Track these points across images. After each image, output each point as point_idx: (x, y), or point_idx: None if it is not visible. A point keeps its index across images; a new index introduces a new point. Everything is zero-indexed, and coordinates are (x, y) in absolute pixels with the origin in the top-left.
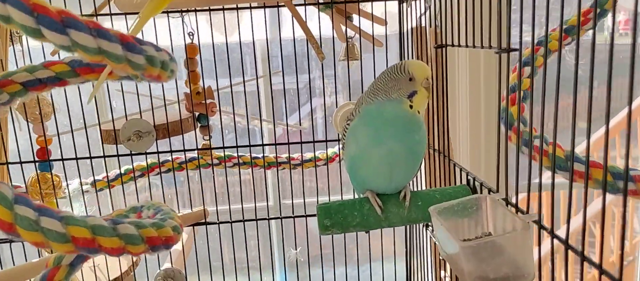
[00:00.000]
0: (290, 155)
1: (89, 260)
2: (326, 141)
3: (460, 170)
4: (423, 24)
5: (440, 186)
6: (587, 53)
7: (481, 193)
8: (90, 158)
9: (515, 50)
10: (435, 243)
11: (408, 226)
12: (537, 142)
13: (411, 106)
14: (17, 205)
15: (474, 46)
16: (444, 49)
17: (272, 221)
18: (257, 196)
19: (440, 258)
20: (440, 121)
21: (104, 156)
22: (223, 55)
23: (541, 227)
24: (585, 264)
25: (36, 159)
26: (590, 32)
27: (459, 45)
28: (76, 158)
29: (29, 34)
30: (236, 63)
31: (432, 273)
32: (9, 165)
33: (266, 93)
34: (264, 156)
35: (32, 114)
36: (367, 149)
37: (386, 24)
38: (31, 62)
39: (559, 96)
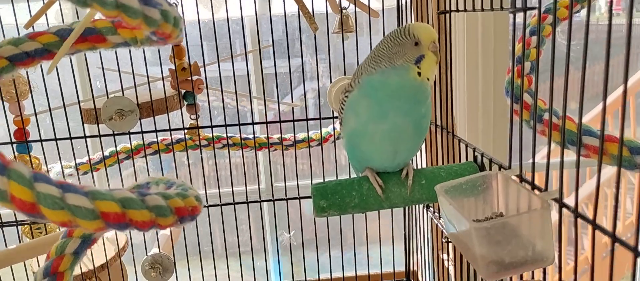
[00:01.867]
0: (282, 135)
1: (93, 245)
2: (320, 119)
3: (466, 146)
4: None
5: (443, 163)
6: (579, 33)
7: (490, 169)
8: (71, 138)
9: (532, 8)
10: (437, 225)
11: (407, 208)
12: (546, 116)
13: (420, 73)
14: (38, 183)
15: (482, 9)
16: (447, 15)
17: (265, 204)
18: (249, 179)
19: (443, 240)
20: (443, 94)
21: (85, 137)
22: (210, 32)
23: (563, 205)
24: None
25: (13, 140)
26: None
27: (465, 10)
28: (55, 139)
29: None
30: (224, 41)
31: (432, 255)
32: None
33: (257, 74)
34: (254, 137)
35: (8, 93)
36: (368, 124)
37: None
38: (4, 37)
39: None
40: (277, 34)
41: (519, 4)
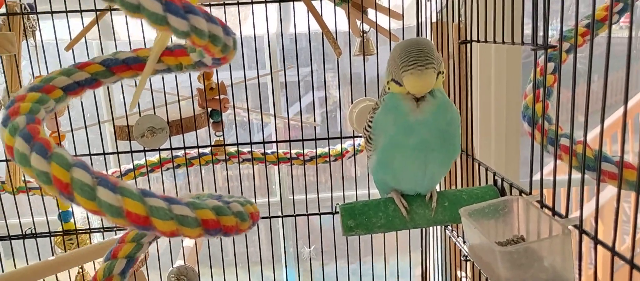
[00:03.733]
0: (304, 151)
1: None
2: (341, 138)
3: (486, 170)
4: (444, 19)
5: (462, 185)
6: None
7: (510, 194)
8: (104, 154)
9: (553, 47)
10: (455, 244)
11: (425, 237)
12: (563, 141)
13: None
14: (147, 198)
15: (503, 42)
16: (467, 45)
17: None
18: (265, 193)
19: (462, 258)
20: (462, 119)
21: (118, 152)
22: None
23: (582, 232)
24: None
25: None
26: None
27: (486, 41)
28: (90, 154)
29: (156, 21)
30: (245, 58)
31: (447, 271)
32: None
33: (275, 87)
34: (277, 152)
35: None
36: (398, 137)
37: (403, 18)
38: (45, 56)
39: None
40: (292, 45)
41: (539, 40)
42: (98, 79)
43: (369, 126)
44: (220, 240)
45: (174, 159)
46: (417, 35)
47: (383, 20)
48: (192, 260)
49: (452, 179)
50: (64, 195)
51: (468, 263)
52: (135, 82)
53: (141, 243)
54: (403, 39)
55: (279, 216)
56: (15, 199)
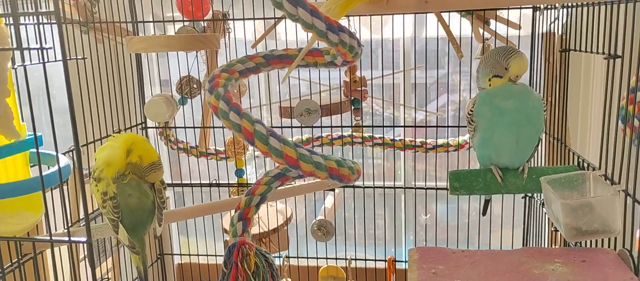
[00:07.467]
0: (426, 140)
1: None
2: (459, 127)
3: (573, 154)
4: (552, 31)
5: None
6: None
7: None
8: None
9: (618, 57)
10: (549, 219)
11: (527, 215)
12: None
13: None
14: (299, 148)
15: (597, 52)
16: (567, 53)
17: (402, 197)
18: (390, 176)
19: (552, 229)
20: (559, 115)
21: (281, 127)
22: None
23: (627, 194)
24: None
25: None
26: None
27: (581, 51)
28: None
29: (320, 35)
30: (384, 59)
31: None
32: (214, 129)
33: (407, 85)
34: (403, 139)
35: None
36: (494, 118)
37: (520, 29)
38: (236, 51)
39: None
40: (425, 48)
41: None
42: (260, 67)
43: (471, 112)
44: (354, 207)
45: (317, 139)
46: (531, 43)
47: (502, 29)
48: (330, 217)
49: (549, 164)
50: (248, 140)
51: (557, 233)
52: (299, 73)
53: (271, 187)
54: (519, 46)
55: (401, 187)
56: (207, 161)
